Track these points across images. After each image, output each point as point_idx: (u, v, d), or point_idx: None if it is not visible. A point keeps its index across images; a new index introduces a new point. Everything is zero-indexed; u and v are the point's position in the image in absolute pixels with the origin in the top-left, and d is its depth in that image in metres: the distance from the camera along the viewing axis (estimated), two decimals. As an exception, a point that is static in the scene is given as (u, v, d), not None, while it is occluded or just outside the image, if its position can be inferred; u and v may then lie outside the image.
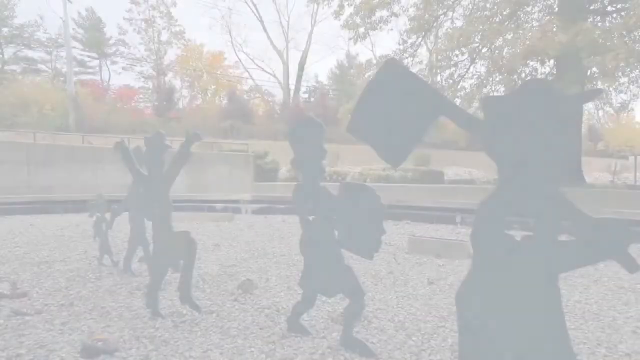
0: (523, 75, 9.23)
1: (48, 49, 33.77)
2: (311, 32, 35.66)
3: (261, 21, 36.09)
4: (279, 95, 38.42)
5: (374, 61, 14.82)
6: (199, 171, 12.12)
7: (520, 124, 1.22)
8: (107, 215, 4.01)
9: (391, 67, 1.52)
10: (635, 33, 7.20)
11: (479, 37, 8.53)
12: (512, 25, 8.72)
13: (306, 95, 41.85)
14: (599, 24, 7.65)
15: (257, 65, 40.30)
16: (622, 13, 6.01)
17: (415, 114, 1.45)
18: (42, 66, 34.14)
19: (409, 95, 1.45)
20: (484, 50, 9.35)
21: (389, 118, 1.51)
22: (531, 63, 8.52)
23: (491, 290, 1.30)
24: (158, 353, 2.08)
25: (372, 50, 41.14)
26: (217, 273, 3.74)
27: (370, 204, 1.93)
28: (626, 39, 6.91)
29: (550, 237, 1.20)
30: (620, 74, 11.04)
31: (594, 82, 6.76)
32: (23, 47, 32.14)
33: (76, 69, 33.65)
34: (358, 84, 14.29)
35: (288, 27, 36.90)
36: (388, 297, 3.08)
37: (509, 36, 7.55)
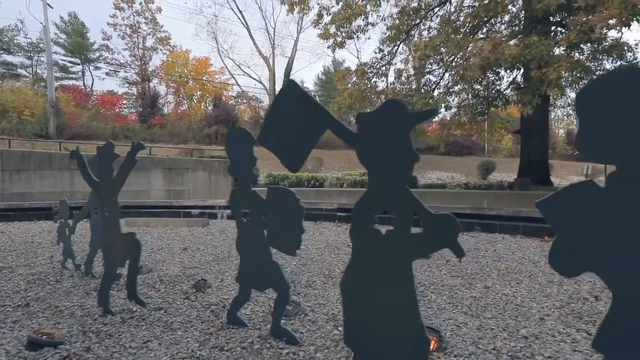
0: (484, 84, 9.73)
1: (29, 54, 33.31)
2: (297, 39, 36.02)
3: (247, 28, 36.30)
4: (266, 101, 38.62)
5: (352, 69, 15.22)
6: (178, 177, 12.21)
7: (380, 136, 1.48)
8: (71, 221, 4.15)
9: (290, 88, 1.78)
10: (582, 47, 7.75)
11: (444, 48, 8.97)
12: (473, 38, 9.21)
13: (292, 101, 42.18)
14: (558, 36, 8.17)
15: (243, 71, 40.48)
16: (571, 27, 6.50)
17: (308, 128, 1.70)
18: (22, 71, 33.65)
19: (303, 112, 1.70)
20: (451, 60, 9.81)
21: (288, 131, 1.76)
22: (493, 73, 9.01)
23: (364, 277, 1.55)
24: (101, 345, 2.26)
25: (357, 57, 41.76)
26: (177, 274, 3.91)
27: (292, 206, 2.17)
28: (575, 52, 7.41)
29: (405, 231, 1.45)
30: (572, 84, 11.62)
31: (549, 92, 7.22)
32: (2, 52, 31.64)
33: (58, 75, 33.22)
34: (339, 89, 14.59)
35: (274, 34, 37.22)
36: (331, 294, 3.31)
37: (468, 48, 7.98)
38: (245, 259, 2.47)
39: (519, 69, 8.88)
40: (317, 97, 42.71)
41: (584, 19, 5.75)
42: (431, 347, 2.23)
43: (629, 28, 6.01)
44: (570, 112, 16.15)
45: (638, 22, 6.00)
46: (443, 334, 2.33)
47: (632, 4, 4.83)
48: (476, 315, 2.81)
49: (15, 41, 32.18)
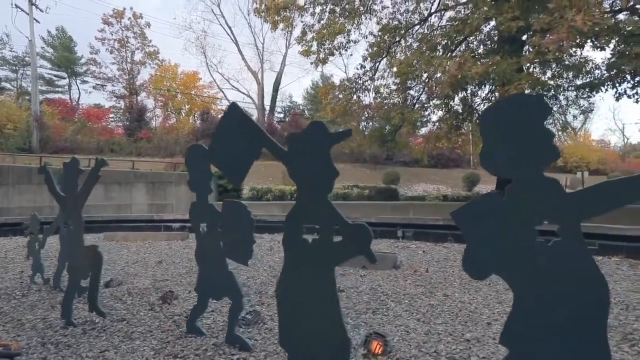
0: (460, 99, 10.16)
1: (14, 68, 33.11)
2: (285, 54, 36.59)
3: (236, 43, 36.80)
4: (255, 115, 38.87)
5: (337, 84, 15.61)
6: (161, 191, 12.20)
7: (305, 154, 1.65)
8: (41, 236, 4.18)
9: (233, 110, 1.95)
10: (551, 65, 8.25)
11: (418, 66, 9.36)
12: (449, 56, 9.66)
13: (281, 115, 42.64)
14: (523, 55, 8.65)
15: (232, 85, 40.81)
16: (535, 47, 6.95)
17: (247, 146, 1.87)
18: (6, 84, 33.36)
19: (244, 132, 1.86)
20: (429, 77, 10.21)
21: (232, 148, 1.92)
22: (462, 90, 9.45)
23: (294, 282, 1.69)
24: (57, 355, 2.33)
25: (345, 72, 42.57)
26: (146, 287, 3.96)
27: (243, 218, 2.31)
28: (537, 69, 7.87)
29: (327, 239, 1.61)
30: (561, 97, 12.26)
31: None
32: (-13, 66, 31.42)
33: (43, 88, 33.02)
34: (323, 104, 14.93)
35: (263, 49, 37.77)
36: (295, 303, 3.41)
37: (439, 66, 8.38)
38: (203, 269, 2.58)
39: (491, 85, 9.31)
40: (305, 110, 43.26)
41: (541, 41, 6.17)
42: (377, 350, 2.36)
43: (582, 49, 6.44)
44: (547, 125, 16.65)
45: (592, 43, 6.49)
46: (389, 338, 2.46)
47: (579, 28, 5.25)
48: (428, 322, 2.95)
49: (0, 55, 32.01)
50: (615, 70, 6.64)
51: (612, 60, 6.62)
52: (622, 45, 6.17)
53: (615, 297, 3.58)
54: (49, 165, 3.69)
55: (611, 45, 6.36)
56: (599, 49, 6.40)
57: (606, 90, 7.41)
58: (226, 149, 1.94)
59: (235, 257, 2.38)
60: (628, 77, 6.78)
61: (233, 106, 1.95)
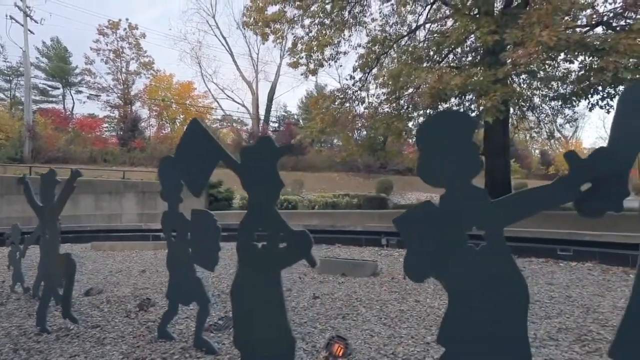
0: (441, 110, 10.44)
1: (8, 78, 33.21)
2: (280, 64, 37.06)
3: (231, 54, 37.25)
4: (250, 124, 39.19)
5: (327, 93, 15.87)
6: (151, 201, 12.25)
7: (255, 166, 1.78)
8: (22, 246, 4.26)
9: (193, 126, 2.09)
10: (530, 78, 8.59)
11: (402, 78, 9.63)
12: (433, 67, 9.95)
13: (276, 125, 42.96)
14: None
15: (227, 95, 41.19)
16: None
17: (206, 158, 2.00)
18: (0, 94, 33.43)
19: (203, 145, 2.00)
20: (415, 88, 10.48)
21: (191, 160, 2.05)
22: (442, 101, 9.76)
23: (245, 286, 1.80)
24: (28, 360, 2.40)
25: (339, 81, 43.07)
26: (125, 295, 4.03)
27: (210, 226, 2.42)
28: (515, 81, 8.17)
29: (274, 245, 1.73)
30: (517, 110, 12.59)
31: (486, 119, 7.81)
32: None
33: (37, 98, 33.10)
34: (313, 114, 15.13)
35: (257, 59, 38.24)
36: (269, 309, 3.51)
37: (419, 78, 8.63)
38: (173, 275, 2.69)
39: (472, 96, 9.59)
40: (300, 120, 43.65)
41: (514, 54, 6.45)
42: (338, 353, 2.47)
43: (555, 62, 6.72)
44: (534, 134, 17.06)
45: (565, 55, 6.79)
46: (350, 341, 2.56)
47: (546, 43, 5.53)
48: (394, 326, 3.06)
49: (-6, 65, 32.11)
50: (586, 83, 6.92)
51: (581, 73, 6.91)
52: (589, 59, 6.47)
53: (579, 301, 3.71)
54: (30, 176, 3.78)
55: (580, 59, 6.68)
56: (568, 62, 6.69)
57: (579, 101, 7.69)
58: (187, 160, 2.08)
59: (202, 263, 2.49)
60: (600, 88, 7.08)
61: (194, 121, 2.10)
